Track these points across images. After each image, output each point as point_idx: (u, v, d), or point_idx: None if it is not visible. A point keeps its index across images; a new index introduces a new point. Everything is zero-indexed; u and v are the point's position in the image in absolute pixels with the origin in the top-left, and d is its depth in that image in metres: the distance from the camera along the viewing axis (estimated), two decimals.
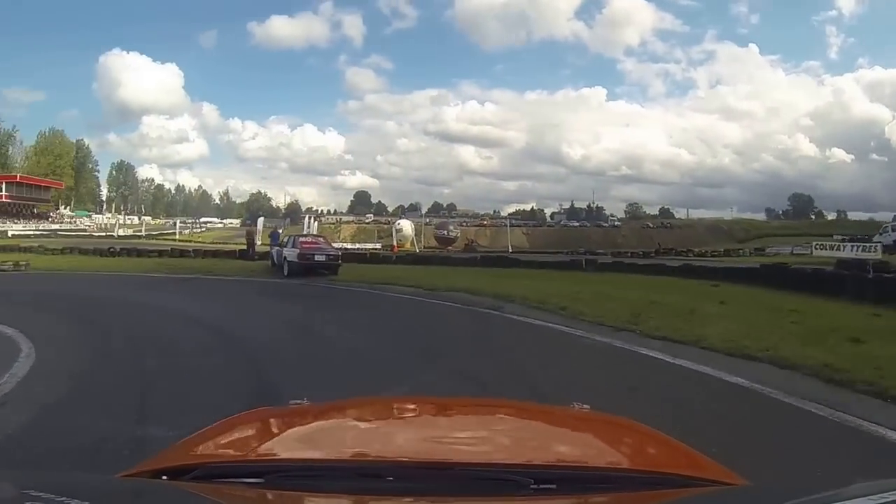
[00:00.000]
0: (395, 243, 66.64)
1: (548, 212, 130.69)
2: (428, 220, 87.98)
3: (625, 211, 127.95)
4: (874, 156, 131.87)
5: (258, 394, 5.77)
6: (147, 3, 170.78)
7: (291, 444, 1.75)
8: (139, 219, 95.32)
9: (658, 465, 1.66)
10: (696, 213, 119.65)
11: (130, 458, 2.80)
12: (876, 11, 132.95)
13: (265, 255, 26.63)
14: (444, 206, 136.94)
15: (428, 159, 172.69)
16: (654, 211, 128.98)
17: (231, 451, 1.75)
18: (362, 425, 2.03)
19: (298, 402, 2.23)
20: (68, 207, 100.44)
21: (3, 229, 65.29)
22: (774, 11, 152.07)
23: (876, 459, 4.29)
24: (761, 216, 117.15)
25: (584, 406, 2.33)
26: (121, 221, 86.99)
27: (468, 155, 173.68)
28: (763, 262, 23.18)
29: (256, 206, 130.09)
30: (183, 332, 9.61)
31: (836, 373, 6.27)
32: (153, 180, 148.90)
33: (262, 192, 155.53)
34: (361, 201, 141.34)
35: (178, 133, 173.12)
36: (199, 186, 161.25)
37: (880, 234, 46.71)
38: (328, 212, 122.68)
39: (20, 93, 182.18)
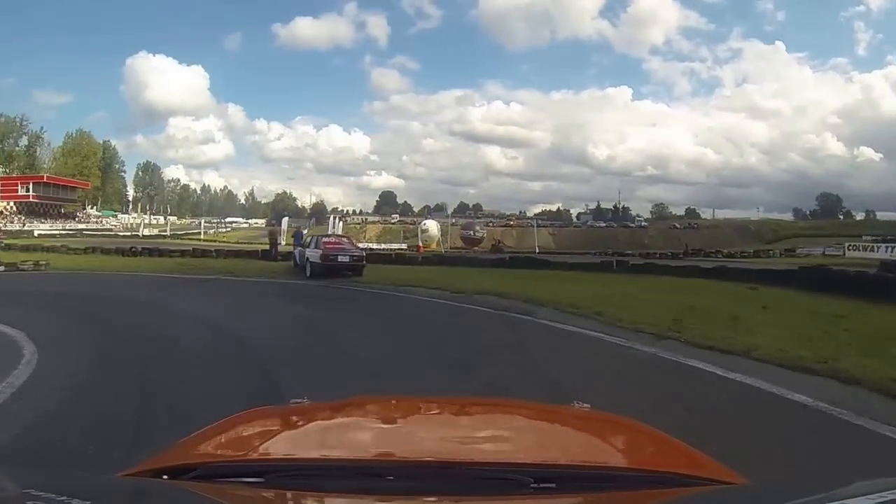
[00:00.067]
0: (420, 244, 66.59)
1: (574, 212, 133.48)
2: (454, 221, 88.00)
3: (651, 211, 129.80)
4: None
5: None
6: (172, 6, 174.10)
7: (292, 443, 1.77)
8: (164, 219, 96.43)
9: (658, 464, 1.67)
10: (722, 214, 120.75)
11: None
12: None
13: (288, 256, 26.33)
14: (470, 206, 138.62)
15: (453, 160, 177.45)
16: (680, 211, 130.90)
17: (231, 451, 1.75)
18: (363, 424, 2.07)
19: (299, 401, 2.24)
20: (95, 207, 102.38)
21: (29, 229, 66.33)
22: (801, 8, 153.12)
23: None
24: (788, 216, 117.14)
25: (585, 405, 2.36)
26: (146, 221, 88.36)
27: (494, 155, 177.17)
28: (801, 264, 22.23)
29: (282, 207, 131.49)
30: (193, 337, 9.18)
31: None
32: (179, 181, 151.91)
33: (288, 192, 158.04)
34: (387, 201, 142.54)
35: (204, 134, 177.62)
36: (225, 187, 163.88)
37: None
38: (354, 212, 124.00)
39: (49, 95, 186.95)
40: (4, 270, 21.61)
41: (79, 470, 3.81)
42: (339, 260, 20.46)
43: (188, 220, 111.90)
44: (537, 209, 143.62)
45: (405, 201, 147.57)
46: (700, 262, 27.09)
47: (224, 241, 62.95)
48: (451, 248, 67.89)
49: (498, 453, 1.68)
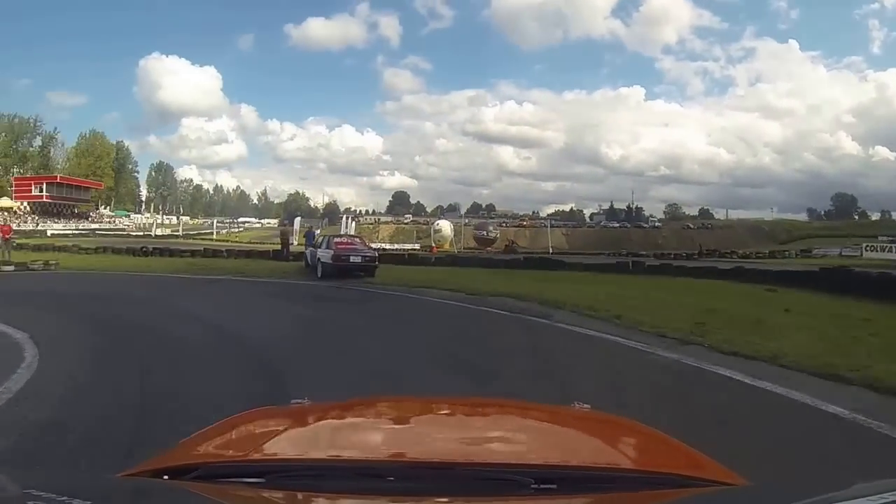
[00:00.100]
0: (433, 244, 66.87)
1: (587, 212, 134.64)
2: (467, 221, 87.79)
3: (664, 211, 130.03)
4: None
5: None
6: (185, 8, 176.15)
7: (293, 443, 1.76)
8: (177, 219, 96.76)
9: (658, 465, 1.66)
10: (736, 214, 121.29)
11: None
12: None
13: (300, 256, 26.14)
14: (483, 206, 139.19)
15: (466, 160, 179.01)
16: (694, 211, 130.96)
17: (232, 451, 1.75)
18: (364, 425, 2.07)
19: (300, 401, 2.25)
20: (108, 207, 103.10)
21: (42, 229, 66.80)
22: (815, 6, 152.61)
23: None
24: (802, 216, 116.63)
25: (585, 405, 2.37)
26: (158, 221, 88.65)
27: (507, 155, 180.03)
28: (820, 265, 21.84)
29: (294, 207, 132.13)
30: (200, 342, 8.91)
31: None
32: (192, 181, 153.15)
33: (301, 192, 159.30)
34: (400, 202, 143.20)
35: (217, 134, 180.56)
36: (238, 187, 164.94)
37: None
38: (366, 212, 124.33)
39: (63, 96, 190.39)
40: (14, 270, 21.79)
41: (80, 470, 3.80)
42: (351, 260, 20.19)
43: (201, 220, 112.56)
44: (550, 209, 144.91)
45: (418, 201, 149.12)
46: (716, 263, 26.67)
47: (236, 241, 63.26)
48: (464, 248, 68.00)
49: (499, 454, 1.68)
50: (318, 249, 21.72)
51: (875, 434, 4.83)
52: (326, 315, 12.32)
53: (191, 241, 57.35)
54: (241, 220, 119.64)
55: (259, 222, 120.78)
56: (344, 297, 15.62)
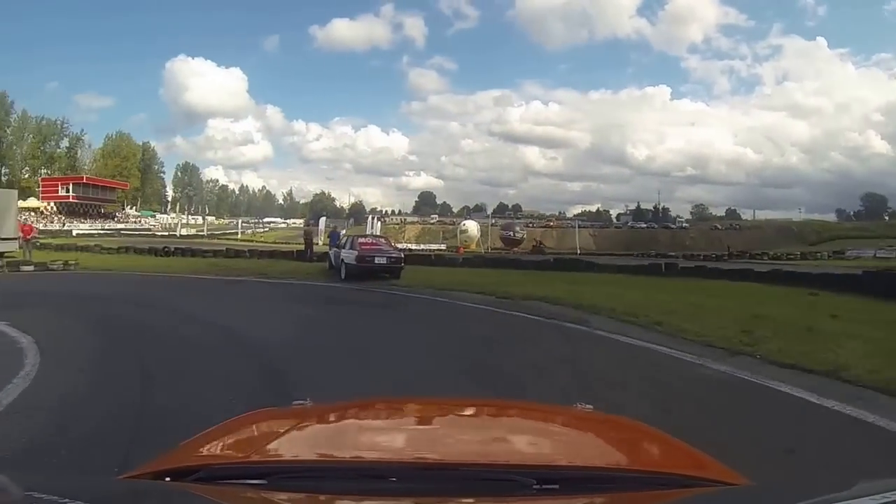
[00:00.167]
0: (460, 244, 66.66)
1: (613, 213, 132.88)
2: (494, 221, 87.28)
3: (690, 212, 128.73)
4: None
5: None
6: (210, 10, 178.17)
7: (294, 445, 1.77)
8: (202, 219, 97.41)
9: (661, 465, 1.71)
10: (763, 215, 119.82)
11: None
12: None
13: (324, 257, 25.73)
14: (510, 206, 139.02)
15: (492, 160, 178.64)
16: (720, 212, 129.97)
17: (234, 453, 1.77)
18: (365, 426, 2.07)
19: (301, 402, 2.27)
20: (134, 207, 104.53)
21: (68, 228, 67.68)
22: (843, 2, 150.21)
23: None
24: (831, 217, 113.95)
25: (587, 406, 2.40)
26: (183, 221, 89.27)
27: (533, 156, 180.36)
28: (861, 268, 21.34)
29: (320, 207, 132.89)
30: (210, 350, 8.49)
31: None
32: (217, 181, 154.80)
33: (327, 192, 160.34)
34: (426, 202, 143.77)
35: (243, 135, 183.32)
36: (263, 187, 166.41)
37: None
38: (392, 212, 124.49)
39: (90, 98, 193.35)
40: (34, 270, 21.98)
41: (81, 472, 3.87)
42: (376, 261, 19.70)
43: (226, 221, 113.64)
44: (576, 210, 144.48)
45: (444, 202, 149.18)
46: (752, 266, 26.23)
47: (261, 241, 63.46)
48: (490, 248, 68.02)
49: (501, 454, 1.69)
50: (342, 250, 21.27)
51: None
52: (347, 320, 11.88)
53: (215, 241, 57.56)
54: (266, 220, 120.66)
55: (284, 222, 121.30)
56: (367, 300, 15.12)
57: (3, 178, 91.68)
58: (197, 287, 18.12)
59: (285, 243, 54.67)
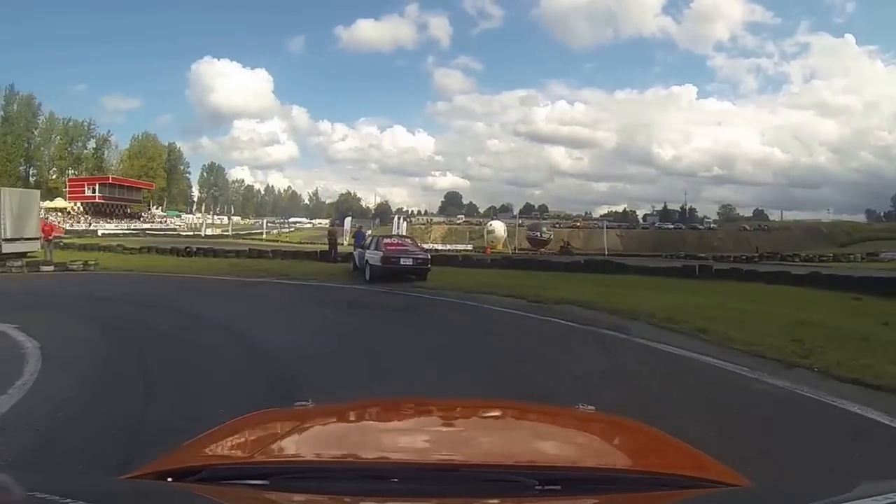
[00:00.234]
0: (487, 245, 66.74)
1: (639, 213, 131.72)
2: (521, 222, 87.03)
3: (717, 213, 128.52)
4: None
5: None
6: (235, 12, 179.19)
7: (297, 445, 1.78)
8: (228, 219, 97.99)
9: (662, 466, 1.67)
10: (790, 215, 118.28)
11: None
12: None
13: (349, 257, 25.05)
14: (536, 207, 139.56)
15: (518, 160, 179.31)
16: (747, 213, 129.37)
17: (236, 453, 1.76)
18: (367, 427, 2.10)
19: (303, 403, 2.27)
20: (160, 208, 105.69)
21: (94, 228, 68.45)
22: None
23: None
24: (860, 218, 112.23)
25: (589, 407, 2.38)
26: (208, 221, 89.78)
27: (559, 156, 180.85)
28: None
29: (346, 207, 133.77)
30: (220, 357, 7.95)
31: None
32: (243, 181, 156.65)
33: (352, 192, 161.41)
34: (452, 202, 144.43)
35: (269, 136, 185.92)
36: (289, 187, 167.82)
37: None
38: (418, 212, 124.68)
39: (117, 100, 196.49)
40: (54, 270, 22.09)
41: (83, 472, 3.84)
42: (402, 263, 19.01)
43: (252, 221, 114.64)
44: (603, 210, 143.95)
45: (470, 202, 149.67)
46: (788, 268, 26.10)
47: (286, 241, 63.84)
48: (517, 249, 67.96)
49: (502, 455, 1.67)
50: (367, 251, 20.61)
51: None
52: (369, 326, 11.20)
53: (240, 241, 57.69)
54: (291, 220, 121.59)
55: (310, 222, 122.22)
56: (391, 303, 14.41)
57: (30, 178, 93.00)
58: (214, 289, 17.85)
59: (310, 243, 54.61)
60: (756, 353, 8.17)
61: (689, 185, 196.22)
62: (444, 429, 2.06)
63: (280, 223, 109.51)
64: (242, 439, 1.86)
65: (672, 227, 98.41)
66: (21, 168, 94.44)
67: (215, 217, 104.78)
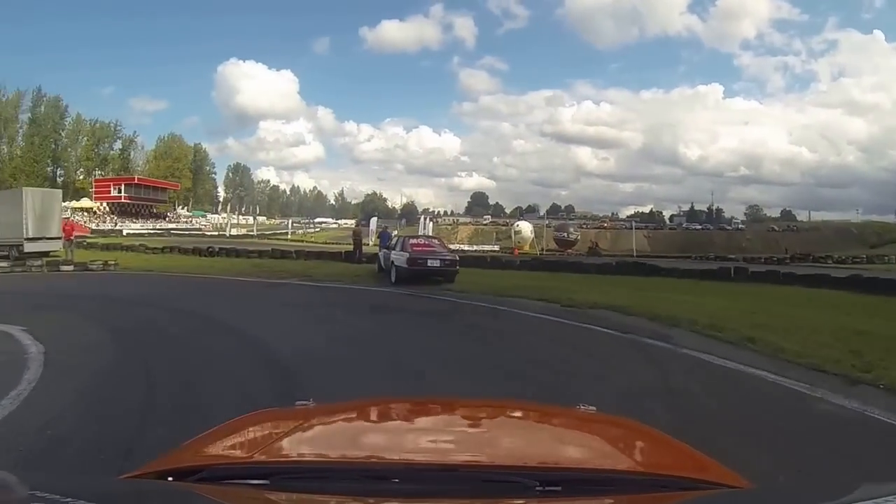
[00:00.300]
0: (514, 245, 66.66)
1: (666, 214, 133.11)
2: (548, 222, 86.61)
3: (745, 213, 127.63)
4: None
5: None
6: (261, 14, 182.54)
7: (297, 445, 1.77)
8: (253, 219, 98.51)
9: (663, 468, 1.67)
10: (818, 216, 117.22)
11: None
12: None
13: (374, 258, 24.60)
14: (563, 207, 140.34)
15: (544, 161, 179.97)
16: (775, 213, 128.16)
17: (236, 453, 1.74)
18: (368, 427, 2.09)
19: (304, 403, 2.26)
20: (186, 208, 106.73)
21: (119, 228, 69.27)
22: None
23: None
24: (890, 218, 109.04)
25: (590, 407, 2.39)
26: (233, 221, 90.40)
27: (585, 156, 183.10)
28: None
29: (372, 207, 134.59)
30: (231, 366, 7.46)
31: None
32: (269, 182, 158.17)
33: (378, 193, 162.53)
34: (478, 202, 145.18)
35: (295, 136, 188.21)
36: (314, 187, 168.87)
37: None
38: (444, 213, 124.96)
39: (144, 102, 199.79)
40: (73, 270, 22.33)
41: (84, 472, 3.83)
42: (429, 264, 18.35)
43: (277, 221, 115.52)
44: (629, 211, 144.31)
45: (496, 202, 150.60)
46: (827, 270, 25.80)
47: (311, 242, 64.14)
48: (545, 249, 68.16)
49: (503, 456, 1.70)
50: (393, 251, 19.95)
51: None
52: (392, 332, 10.54)
53: (264, 241, 58.07)
54: (317, 220, 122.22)
55: (336, 222, 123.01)
56: (417, 307, 13.69)
57: (58, 179, 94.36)
58: (233, 290, 17.55)
59: (335, 244, 54.71)
60: (812, 365, 7.52)
61: (715, 186, 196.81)
62: (445, 429, 2.06)
63: (305, 223, 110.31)
64: (243, 439, 1.87)
65: (699, 227, 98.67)
66: (48, 169, 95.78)
67: (240, 217, 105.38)
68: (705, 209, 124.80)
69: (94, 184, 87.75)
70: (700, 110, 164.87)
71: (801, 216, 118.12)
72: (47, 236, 25.50)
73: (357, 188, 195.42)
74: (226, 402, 5.74)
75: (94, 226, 67.05)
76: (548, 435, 2.02)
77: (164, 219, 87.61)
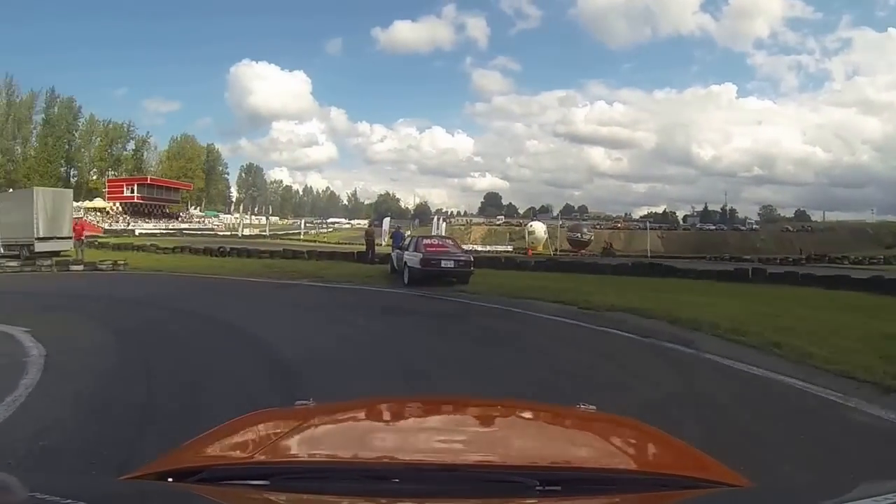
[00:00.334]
0: (528, 246, 66.54)
1: (679, 214, 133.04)
2: (562, 223, 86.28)
3: (758, 213, 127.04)
4: None
5: None
6: (273, 15, 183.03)
7: (297, 445, 1.77)
8: (266, 219, 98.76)
9: (663, 467, 1.70)
10: (833, 216, 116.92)
11: None
12: None
13: (387, 259, 24.44)
14: (576, 208, 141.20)
15: (557, 161, 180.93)
16: (789, 213, 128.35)
17: (236, 453, 1.76)
18: (368, 426, 2.09)
19: (304, 403, 2.25)
20: (199, 208, 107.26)
21: (132, 228, 69.56)
22: None
23: None
24: None
25: (591, 406, 2.35)
26: (246, 221, 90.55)
27: (598, 156, 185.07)
28: None
29: (384, 207, 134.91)
30: (236, 372, 7.22)
31: None
32: (281, 182, 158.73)
33: (391, 193, 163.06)
34: (491, 203, 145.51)
35: (307, 137, 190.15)
36: (327, 188, 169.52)
37: None
38: (457, 213, 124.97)
39: (157, 103, 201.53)
40: (83, 269, 22.37)
41: (83, 473, 3.80)
42: (443, 265, 17.99)
43: (290, 221, 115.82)
44: (642, 211, 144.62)
45: (510, 203, 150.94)
46: (847, 271, 25.51)
47: (324, 242, 64.20)
48: (558, 250, 67.92)
49: (503, 456, 1.70)
50: (406, 252, 19.60)
51: None
52: (405, 336, 10.23)
53: (277, 241, 58.05)
54: (330, 220, 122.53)
55: (349, 223, 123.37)
56: (431, 309, 13.38)
57: (71, 179, 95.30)
58: (243, 291, 17.40)
59: (348, 244, 54.56)
60: (843, 372, 7.17)
61: (728, 186, 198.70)
62: (445, 429, 2.06)
63: (318, 223, 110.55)
64: (242, 439, 1.87)
65: (713, 227, 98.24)
66: (62, 169, 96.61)
67: (253, 217, 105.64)
68: (719, 209, 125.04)
69: (107, 184, 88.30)
70: (713, 110, 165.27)
71: (816, 216, 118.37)
72: (58, 236, 25.61)
73: (370, 188, 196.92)
74: (229, 406, 5.36)
75: (106, 226, 67.40)
76: (548, 434, 2.05)
77: (177, 219, 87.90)
